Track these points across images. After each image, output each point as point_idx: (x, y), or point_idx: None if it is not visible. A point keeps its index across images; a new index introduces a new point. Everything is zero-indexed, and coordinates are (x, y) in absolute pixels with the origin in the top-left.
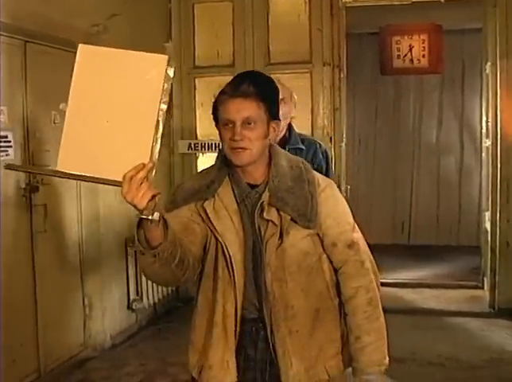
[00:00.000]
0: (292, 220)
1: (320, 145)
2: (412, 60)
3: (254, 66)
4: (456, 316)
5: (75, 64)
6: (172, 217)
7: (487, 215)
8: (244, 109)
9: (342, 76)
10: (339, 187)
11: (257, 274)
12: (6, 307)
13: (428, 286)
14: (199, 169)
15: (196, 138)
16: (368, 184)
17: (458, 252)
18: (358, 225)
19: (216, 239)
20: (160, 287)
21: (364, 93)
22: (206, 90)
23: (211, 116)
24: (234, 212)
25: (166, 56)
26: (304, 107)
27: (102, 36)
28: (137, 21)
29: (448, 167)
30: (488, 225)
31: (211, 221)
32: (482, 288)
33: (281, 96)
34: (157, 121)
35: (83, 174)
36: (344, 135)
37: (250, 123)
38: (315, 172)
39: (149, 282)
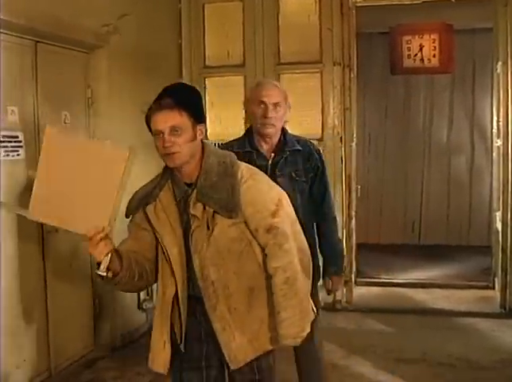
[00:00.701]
0: (215, 212)
1: (313, 144)
2: (422, 60)
3: (264, 66)
4: (467, 316)
5: (42, 145)
6: (126, 240)
7: (498, 215)
8: (169, 119)
9: (352, 75)
10: (349, 187)
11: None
12: (17, 306)
13: (439, 286)
14: None
15: (206, 138)
16: (378, 184)
17: (468, 252)
18: (368, 225)
19: (157, 237)
20: None
21: (374, 93)
22: (216, 90)
23: (221, 116)
24: (171, 211)
25: (127, 153)
26: (315, 107)
27: (112, 36)
28: (148, 22)
29: (458, 167)
30: (499, 225)
31: (151, 223)
32: (493, 288)
33: (275, 100)
34: (118, 193)
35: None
36: (355, 135)
37: (176, 131)
38: (241, 163)
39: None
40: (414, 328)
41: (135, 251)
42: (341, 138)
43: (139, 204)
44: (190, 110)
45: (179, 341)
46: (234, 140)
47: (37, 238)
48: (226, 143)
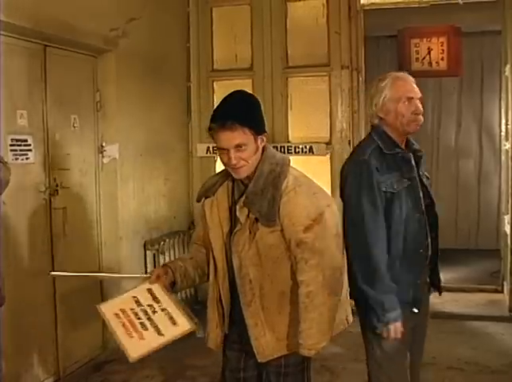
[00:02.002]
0: (256, 218)
1: None
2: (430, 63)
3: (272, 69)
4: (476, 320)
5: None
6: (198, 230)
7: (507, 218)
8: (233, 139)
9: (360, 78)
10: None
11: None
12: (26, 310)
13: (448, 289)
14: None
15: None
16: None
17: (477, 256)
18: None
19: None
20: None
21: None
22: (224, 93)
23: None
24: (223, 209)
25: (188, 328)
26: (323, 110)
27: (120, 40)
28: (156, 25)
29: (466, 170)
30: (508, 228)
31: (205, 216)
32: (502, 292)
33: (420, 95)
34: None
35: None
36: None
37: (241, 147)
38: (290, 173)
39: None
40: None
41: (200, 246)
42: (349, 141)
43: (202, 194)
44: (252, 126)
45: (225, 328)
46: (368, 144)
47: (46, 241)
48: (361, 152)
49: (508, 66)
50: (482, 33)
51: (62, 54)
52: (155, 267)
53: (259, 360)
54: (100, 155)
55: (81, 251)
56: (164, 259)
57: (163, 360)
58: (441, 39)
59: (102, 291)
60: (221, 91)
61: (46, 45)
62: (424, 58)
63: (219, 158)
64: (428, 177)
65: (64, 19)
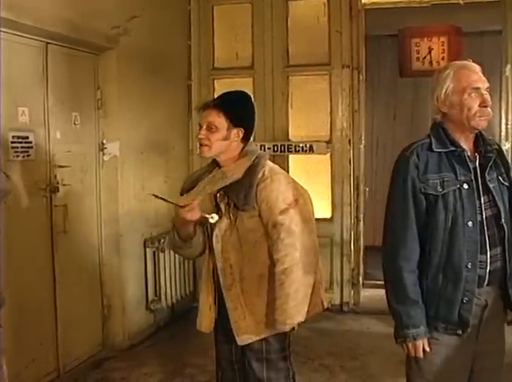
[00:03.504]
0: (235, 205)
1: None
2: (431, 63)
3: (272, 68)
4: None
5: None
6: None
7: None
8: (208, 117)
9: (361, 78)
10: (357, 189)
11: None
12: (26, 306)
13: None
14: None
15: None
16: (385, 187)
17: None
18: (375, 228)
19: None
20: (178, 288)
21: (382, 96)
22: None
23: None
24: (210, 196)
25: None
26: (323, 109)
27: (121, 38)
28: (157, 23)
29: None
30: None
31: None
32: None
33: (487, 85)
34: None
35: None
36: (363, 137)
37: (211, 128)
38: (268, 164)
39: (168, 283)
40: None
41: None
42: (349, 140)
43: (190, 184)
44: (228, 113)
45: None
46: (419, 140)
47: (47, 238)
48: (408, 147)
49: (509, 66)
50: (482, 34)
51: (64, 52)
52: (155, 265)
53: (239, 343)
54: (101, 153)
55: (81, 248)
56: (164, 257)
57: (162, 358)
58: (442, 39)
59: (102, 289)
60: (222, 89)
61: (48, 43)
62: (424, 57)
63: None
64: (503, 184)
65: (65, 16)
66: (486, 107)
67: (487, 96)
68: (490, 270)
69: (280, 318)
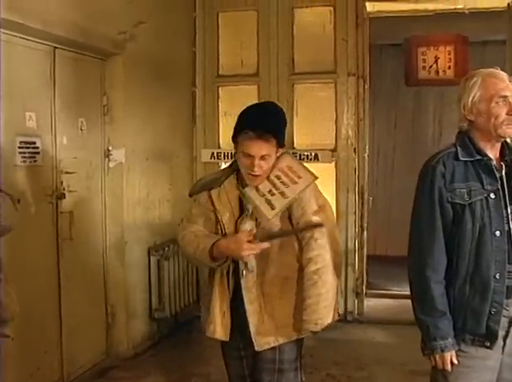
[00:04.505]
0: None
1: None
2: (437, 72)
3: (278, 75)
4: None
5: None
6: (197, 214)
7: None
8: (263, 149)
9: (366, 86)
10: (362, 198)
11: None
12: (31, 314)
13: None
14: None
15: (219, 147)
16: (386, 196)
17: None
18: (376, 237)
19: (217, 216)
20: (181, 297)
21: (384, 105)
22: (230, 99)
23: (234, 125)
24: (233, 196)
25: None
26: (329, 117)
27: (128, 43)
28: (163, 29)
29: None
30: None
31: (213, 203)
32: None
33: None
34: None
35: None
36: (367, 146)
37: (265, 158)
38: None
39: (171, 292)
40: None
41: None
42: (354, 148)
43: (202, 188)
44: (279, 139)
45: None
46: (444, 149)
47: (52, 245)
48: (433, 156)
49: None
50: (484, 43)
51: (71, 56)
52: (159, 273)
53: (256, 349)
54: (106, 159)
55: (87, 256)
56: (169, 265)
57: (166, 368)
58: (448, 48)
59: (106, 296)
60: (226, 96)
61: (56, 47)
62: (431, 66)
63: (223, 163)
64: None
65: (73, 20)
66: None
67: None
68: None
69: (309, 318)
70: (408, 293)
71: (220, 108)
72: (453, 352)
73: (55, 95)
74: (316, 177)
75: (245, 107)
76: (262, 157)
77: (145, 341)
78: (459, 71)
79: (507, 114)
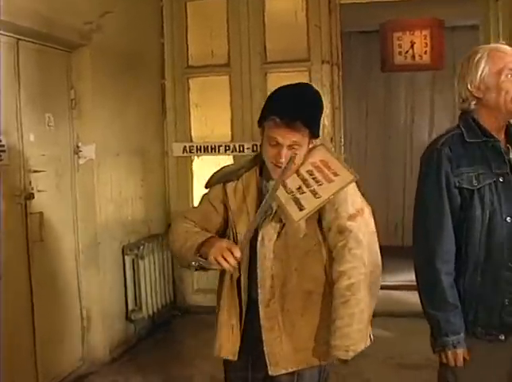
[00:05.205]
0: None
1: None
2: (414, 57)
3: (250, 65)
4: None
5: None
6: (197, 211)
7: None
8: (292, 136)
9: (340, 74)
10: None
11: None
12: (3, 324)
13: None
14: (195, 172)
15: (191, 140)
16: (360, 184)
17: None
18: None
19: (228, 216)
20: (158, 296)
21: (354, 92)
22: (200, 90)
23: (206, 117)
24: (251, 193)
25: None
26: None
27: (94, 34)
28: (130, 20)
29: None
30: None
31: (227, 200)
32: None
33: None
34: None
35: None
36: (342, 135)
37: (294, 147)
38: None
39: (148, 292)
40: (414, 332)
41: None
42: (331, 138)
43: (220, 179)
44: (312, 128)
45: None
46: (448, 131)
47: (23, 248)
48: (438, 139)
49: None
50: (453, 29)
51: (36, 49)
52: (135, 273)
53: (270, 373)
54: (76, 156)
55: (58, 258)
56: (144, 264)
57: (147, 372)
58: (424, 32)
59: (81, 299)
60: (197, 88)
61: (19, 39)
62: (407, 52)
63: (196, 157)
64: None
65: (38, 10)
66: None
67: None
68: None
69: (340, 343)
70: (387, 283)
71: (191, 100)
72: (465, 348)
73: (20, 89)
74: (356, 177)
75: (275, 89)
76: (291, 147)
77: (122, 345)
78: (436, 56)
79: None
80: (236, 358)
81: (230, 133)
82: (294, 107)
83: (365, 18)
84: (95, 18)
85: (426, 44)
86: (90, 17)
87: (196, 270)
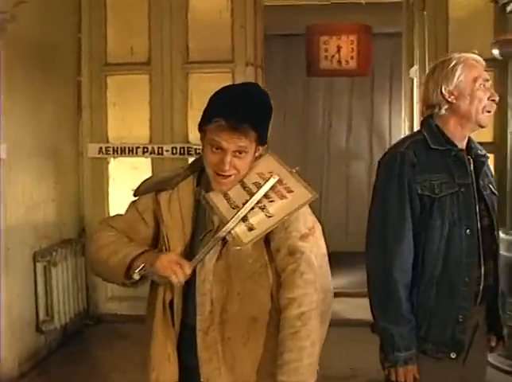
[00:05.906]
0: None
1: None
2: (340, 62)
3: (171, 64)
4: None
5: None
6: (122, 219)
7: None
8: (238, 141)
9: (263, 77)
10: None
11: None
12: None
13: (349, 294)
14: (111, 174)
15: (108, 141)
16: None
17: None
18: None
19: (160, 230)
20: (71, 305)
21: (273, 96)
22: (119, 89)
23: (124, 118)
24: (187, 206)
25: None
26: None
27: (8, 25)
28: (46, 11)
29: (357, 172)
30: None
31: (161, 211)
32: None
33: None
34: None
35: None
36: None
37: (240, 153)
38: None
39: (61, 301)
40: (337, 341)
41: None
42: None
43: (152, 187)
44: (261, 132)
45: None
46: (411, 136)
47: None
48: (400, 142)
49: (415, 67)
50: (391, 35)
51: None
52: (46, 281)
53: None
54: None
55: None
56: (57, 271)
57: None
58: (351, 37)
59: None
60: (115, 86)
61: None
62: (333, 56)
63: (112, 159)
64: (493, 193)
65: None
66: (494, 101)
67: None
68: (483, 287)
69: (287, 379)
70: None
71: (108, 99)
72: (415, 365)
73: None
74: (315, 195)
75: (218, 89)
76: (236, 153)
77: (32, 358)
78: (362, 61)
79: (489, 99)
80: None
81: (148, 134)
82: (242, 109)
83: (289, 21)
84: (9, 8)
85: (353, 49)
86: (3, 6)
87: (126, 286)
